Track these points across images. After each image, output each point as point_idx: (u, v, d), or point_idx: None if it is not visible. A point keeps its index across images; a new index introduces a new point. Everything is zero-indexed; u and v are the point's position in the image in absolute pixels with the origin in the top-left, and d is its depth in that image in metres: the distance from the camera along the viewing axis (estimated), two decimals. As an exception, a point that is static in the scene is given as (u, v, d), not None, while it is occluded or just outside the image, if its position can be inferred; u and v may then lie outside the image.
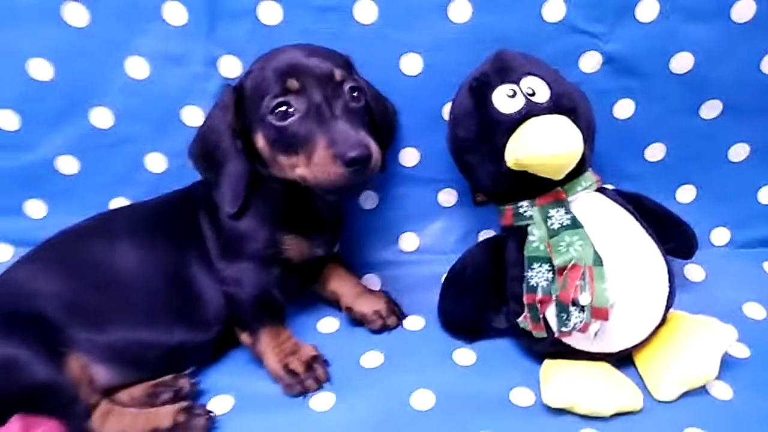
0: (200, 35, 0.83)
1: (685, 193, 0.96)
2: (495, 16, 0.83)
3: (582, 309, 0.69)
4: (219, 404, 0.73)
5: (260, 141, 0.74)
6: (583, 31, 0.84)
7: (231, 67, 0.85)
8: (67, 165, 0.90)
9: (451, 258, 0.86)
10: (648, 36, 0.84)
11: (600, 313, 0.69)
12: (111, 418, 0.69)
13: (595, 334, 0.71)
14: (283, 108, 0.71)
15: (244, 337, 0.78)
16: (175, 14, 0.82)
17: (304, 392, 0.73)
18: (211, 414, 0.70)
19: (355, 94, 0.73)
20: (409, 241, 0.97)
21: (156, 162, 0.90)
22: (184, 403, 0.71)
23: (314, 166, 0.68)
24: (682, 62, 0.86)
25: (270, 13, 0.82)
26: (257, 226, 0.77)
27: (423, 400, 0.72)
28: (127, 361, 0.73)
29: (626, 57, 0.86)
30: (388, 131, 0.85)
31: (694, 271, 0.93)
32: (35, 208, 0.92)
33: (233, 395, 0.74)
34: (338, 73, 0.72)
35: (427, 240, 0.97)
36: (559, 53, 0.85)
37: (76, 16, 0.81)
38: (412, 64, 0.86)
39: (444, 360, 0.79)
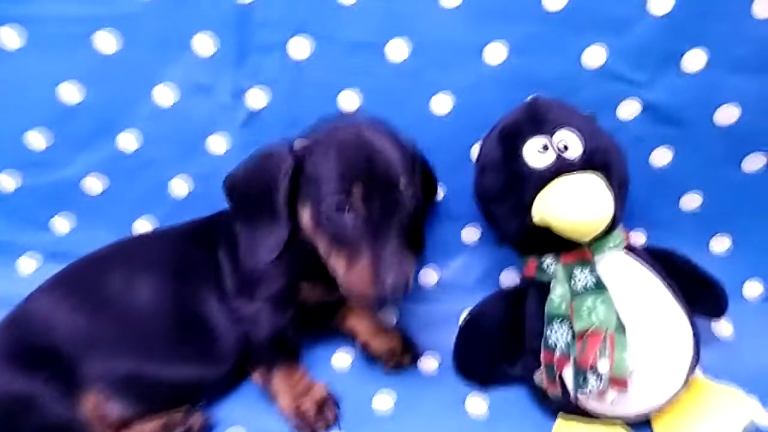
0: (228, 66, 0.82)
1: (720, 244, 0.93)
2: (531, 59, 0.80)
3: (600, 376, 0.67)
4: (231, 439, 0.74)
5: (306, 217, 0.72)
6: (623, 78, 0.81)
7: (258, 99, 0.84)
8: (94, 185, 0.91)
9: (470, 296, 0.84)
10: (692, 86, 0.80)
11: (618, 383, 0.67)
12: (122, 454, 0.70)
13: (612, 400, 0.69)
14: (342, 205, 0.68)
15: (257, 376, 0.79)
16: (204, 45, 0.81)
17: (313, 433, 0.74)
18: (221, 450, 0.71)
19: (411, 198, 0.72)
20: (429, 276, 0.96)
21: (180, 186, 0.91)
22: (195, 440, 0.71)
23: (351, 275, 0.68)
24: (726, 114, 0.82)
25: (300, 48, 0.81)
26: (277, 271, 0.77)
27: (432, 452, 0.71)
28: (140, 396, 0.74)
29: (667, 106, 0.82)
30: (428, 213, 0.85)
31: (722, 326, 0.89)
32: (61, 224, 0.94)
33: (244, 428, 0.75)
34: (403, 182, 0.69)
35: (448, 276, 0.95)
36: (597, 99, 0.81)
37: (107, 43, 0.81)
38: (442, 103, 0.84)
39: (456, 408, 0.78)
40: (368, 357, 0.86)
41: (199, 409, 0.76)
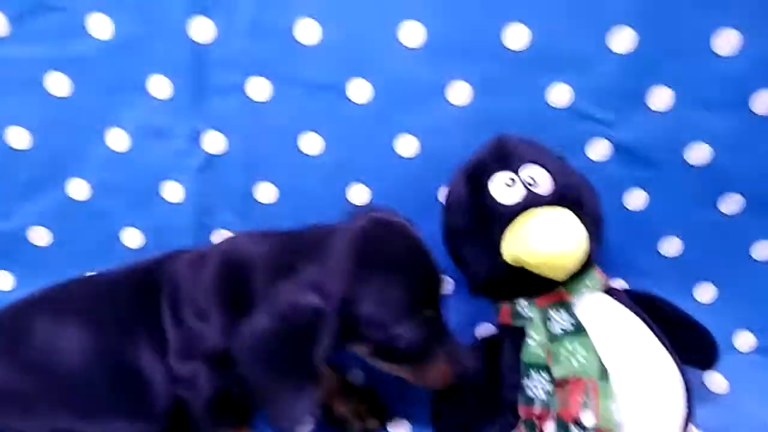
0: (185, 109, 0.80)
1: (704, 292, 0.89)
2: (497, 99, 0.79)
3: (585, 429, 0.61)
4: None
5: (360, 350, 0.67)
6: (591, 117, 0.80)
7: (216, 143, 0.82)
8: (39, 236, 0.86)
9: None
10: (661, 125, 0.79)
11: None
12: None
13: None
14: (416, 336, 0.64)
15: None
16: (160, 87, 0.79)
17: None
18: None
19: None
20: (399, 332, 0.90)
21: (132, 237, 0.86)
22: None
23: (430, 377, 0.68)
24: (698, 153, 0.81)
25: (259, 90, 0.79)
26: (226, 331, 0.67)
27: None
28: None
29: (637, 146, 0.81)
30: None
31: (715, 381, 0.84)
32: (4, 280, 0.88)
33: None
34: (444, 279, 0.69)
35: (420, 330, 0.90)
36: (565, 139, 0.79)
37: (59, 85, 0.79)
38: (407, 145, 0.82)
39: (429, 474, 0.71)
40: (331, 420, 0.79)
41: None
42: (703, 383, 0.83)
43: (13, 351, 0.68)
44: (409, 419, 0.80)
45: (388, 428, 0.79)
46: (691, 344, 0.75)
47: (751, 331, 0.89)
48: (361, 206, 0.76)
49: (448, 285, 0.71)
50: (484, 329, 0.89)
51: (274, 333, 0.61)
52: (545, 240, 0.64)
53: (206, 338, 0.70)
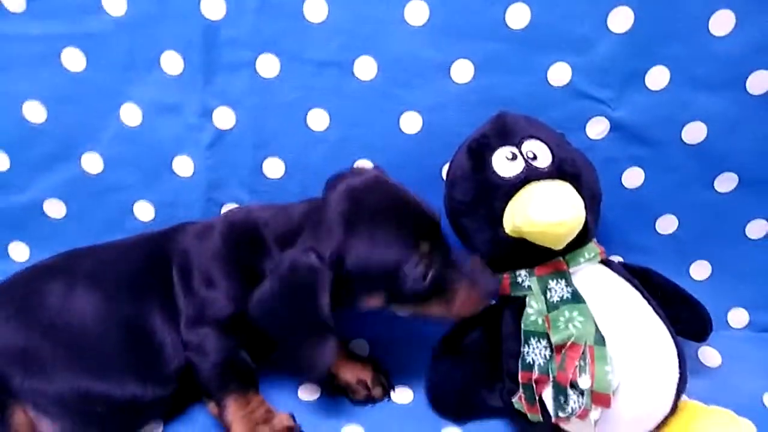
0: (196, 85, 0.82)
1: (700, 270, 0.91)
2: (498, 78, 0.81)
3: (581, 393, 0.63)
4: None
5: (372, 302, 0.70)
6: (589, 96, 0.81)
7: (226, 119, 0.84)
8: (55, 209, 0.88)
9: (446, 324, 0.80)
10: (658, 104, 0.81)
11: (601, 399, 0.63)
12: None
13: (596, 422, 0.64)
14: (422, 272, 0.67)
15: (212, 407, 0.73)
16: (173, 63, 0.81)
17: (274, 468, 0.67)
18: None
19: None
20: (403, 305, 0.92)
21: (144, 210, 0.88)
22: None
23: (457, 309, 0.70)
24: (694, 132, 0.82)
25: (269, 66, 0.81)
26: (229, 295, 0.73)
27: (403, 486, 0.66)
28: (75, 415, 0.68)
29: (635, 125, 0.83)
30: None
31: (709, 355, 0.86)
32: (19, 251, 0.90)
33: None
34: (437, 214, 0.71)
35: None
36: (565, 118, 0.82)
37: (75, 61, 0.81)
38: (411, 122, 0.83)
39: (430, 440, 0.73)
40: (337, 389, 0.81)
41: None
42: (697, 357, 0.85)
43: (28, 312, 0.70)
44: (412, 388, 0.81)
45: (392, 397, 0.81)
46: (685, 317, 0.78)
47: (745, 308, 0.91)
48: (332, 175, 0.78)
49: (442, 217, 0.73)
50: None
51: (277, 293, 0.67)
52: (544, 210, 0.66)
53: (215, 305, 0.73)
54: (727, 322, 0.91)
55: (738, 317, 0.91)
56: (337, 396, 0.80)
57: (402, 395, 0.81)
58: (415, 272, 0.66)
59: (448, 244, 0.71)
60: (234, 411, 0.71)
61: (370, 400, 0.79)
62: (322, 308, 0.65)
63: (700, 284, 0.90)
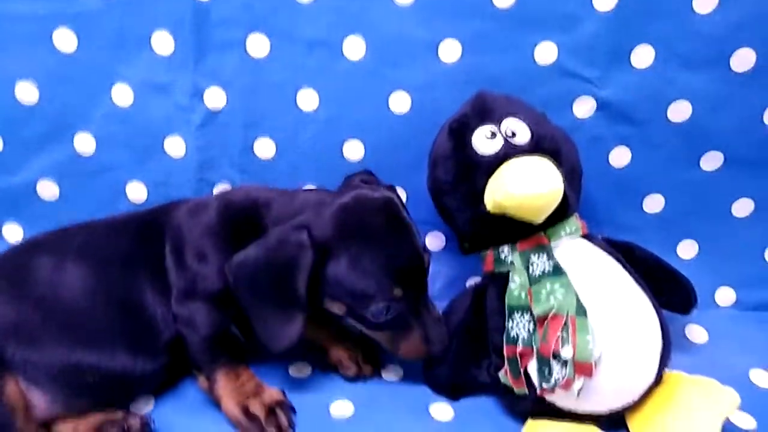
0: (187, 66, 0.83)
1: (687, 249, 0.92)
2: (485, 57, 0.82)
3: (564, 363, 0.64)
4: (171, 447, 0.68)
5: (335, 308, 0.72)
6: (576, 74, 0.83)
7: (216, 99, 0.84)
8: (48, 190, 0.89)
9: (436, 305, 0.81)
10: (644, 83, 0.82)
11: (583, 369, 0.64)
12: (50, 453, 0.64)
13: (579, 391, 0.65)
14: (383, 310, 0.69)
15: (202, 381, 0.74)
16: (163, 44, 0.82)
17: (263, 439, 0.68)
18: (159, 457, 0.65)
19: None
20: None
21: (137, 191, 0.89)
22: (130, 443, 0.66)
23: (404, 348, 0.73)
24: (679, 111, 0.83)
25: (258, 46, 0.82)
26: (224, 272, 0.73)
27: (391, 456, 0.66)
28: (66, 386, 0.69)
29: (621, 103, 0.84)
30: None
31: (696, 333, 0.87)
32: (13, 232, 0.91)
33: (188, 438, 0.69)
34: (426, 259, 0.72)
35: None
36: (552, 96, 0.83)
37: (66, 41, 0.82)
38: (400, 101, 0.84)
39: (419, 414, 0.73)
40: (328, 365, 0.82)
41: (139, 414, 0.71)
42: (684, 335, 0.86)
43: (19, 285, 0.71)
44: (402, 367, 0.82)
45: (382, 374, 0.81)
46: (668, 289, 0.78)
47: (732, 286, 0.92)
48: (352, 174, 0.79)
49: (431, 257, 0.74)
50: (475, 282, 0.91)
51: (262, 261, 0.69)
52: (521, 183, 0.67)
53: (205, 279, 0.74)
54: (714, 300, 0.92)
55: (725, 296, 0.92)
56: (327, 372, 0.81)
57: (392, 372, 0.82)
58: (377, 308, 0.69)
59: (425, 288, 0.72)
60: (224, 385, 0.72)
61: (360, 376, 0.80)
62: (299, 286, 0.67)
63: (687, 263, 0.91)
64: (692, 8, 0.78)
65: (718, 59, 0.80)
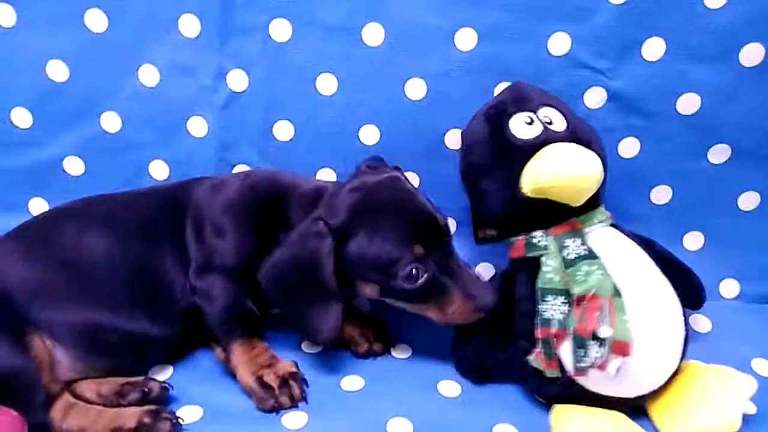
0: (212, 48, 0.86)
1: (693, 241, 0.93)
2: (500, 47, 0.84)
3: (601, 343, 0.65)
4: (188, 414, 0.70)
5: (368, 290, 0.75)
6: (588, 65, 0.84)
7: (239, 81, 0.87)
8: (74, 166, 0.92)
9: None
10: (654, 75, 0.84)
11: (621, 348, 0.64)
12: (73, 412, 0.67)
13: (617, 370, 0.65)
14: (412, 273, 0.70)
15: (219, 352, 0.77)
16: (190, 26, 0.85)
17: (277, 408, 0.70)
18: (179, 420, 0.67)
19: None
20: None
21: (159, 169, 0.92)
22: (152, 406, 0.68)
23: (451, 315, 0.73)
24: (688, 103, 0.85)
25: (281, 30, 0.85)
26: (239, 245, 0.77)
27: (399, 428, 0.68)
28: (87, 344, 0.72)
29: (632, 95, 0.85)
30: None
31: (701, 323, 0.88)
32: (39, 207, 0.94)
33: (203, 406, 0.71)
34: (441, 218, 0.74)
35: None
36: (564, 87, 0.84)
37: (97, 21, 0.85)
38: (416, 88, 0.87)
39: (427, 390, 0.75)
40: (340, 342, 0.83)
41: (159, 380, 0.74)
42: (689, 325, 0.87)
43: (45, 248, 0.74)
44: (411, 345, 0.84)
45: (392, 352, 0.83)
46: (681, 285, 0.76)
47: (737, 278, 0.93)
48: (362, 162, 0.82)
49: (449, 225, 0.76)
50: (484, 270, 0.93)
51: (287, 260, 0.73)
52: (567, 164, 0.69)
53: (222, 254, 0.77)
54: (719, 292, 0.94)
55: (730, 288, 0.94)
56: (339, 349, 0.83)
57: (402, 351, 0.84)
58: (405, 271, 0.70)
59: (453, 252, 0.74)
60: (239, 355, 0.74)
61: (371, 353, 0.82)
62: (326, 274, 0.70)
63: (693, 254, 0.92)
64: (703, 2, 0.80)
65: (727, 53, 0.82)
